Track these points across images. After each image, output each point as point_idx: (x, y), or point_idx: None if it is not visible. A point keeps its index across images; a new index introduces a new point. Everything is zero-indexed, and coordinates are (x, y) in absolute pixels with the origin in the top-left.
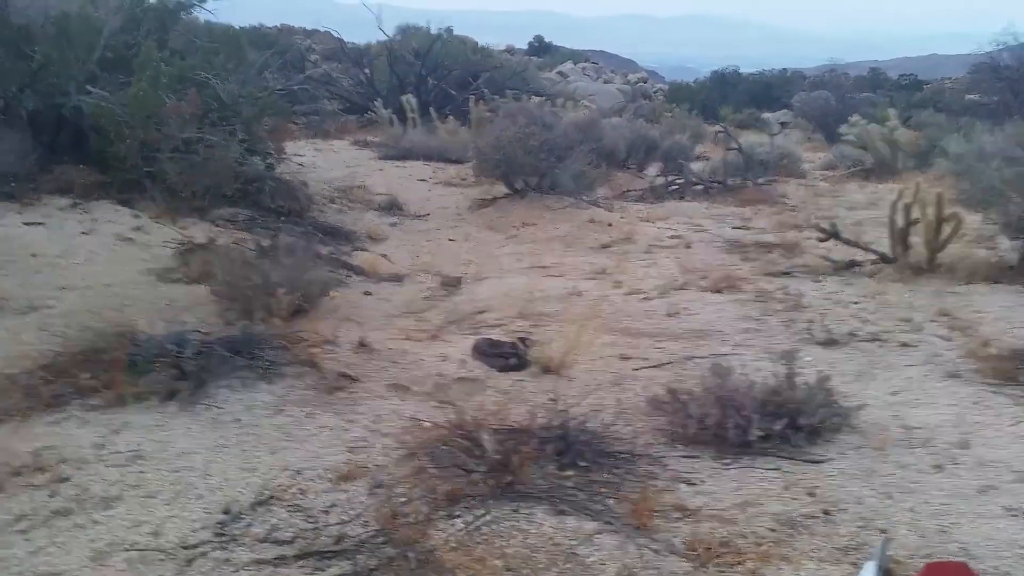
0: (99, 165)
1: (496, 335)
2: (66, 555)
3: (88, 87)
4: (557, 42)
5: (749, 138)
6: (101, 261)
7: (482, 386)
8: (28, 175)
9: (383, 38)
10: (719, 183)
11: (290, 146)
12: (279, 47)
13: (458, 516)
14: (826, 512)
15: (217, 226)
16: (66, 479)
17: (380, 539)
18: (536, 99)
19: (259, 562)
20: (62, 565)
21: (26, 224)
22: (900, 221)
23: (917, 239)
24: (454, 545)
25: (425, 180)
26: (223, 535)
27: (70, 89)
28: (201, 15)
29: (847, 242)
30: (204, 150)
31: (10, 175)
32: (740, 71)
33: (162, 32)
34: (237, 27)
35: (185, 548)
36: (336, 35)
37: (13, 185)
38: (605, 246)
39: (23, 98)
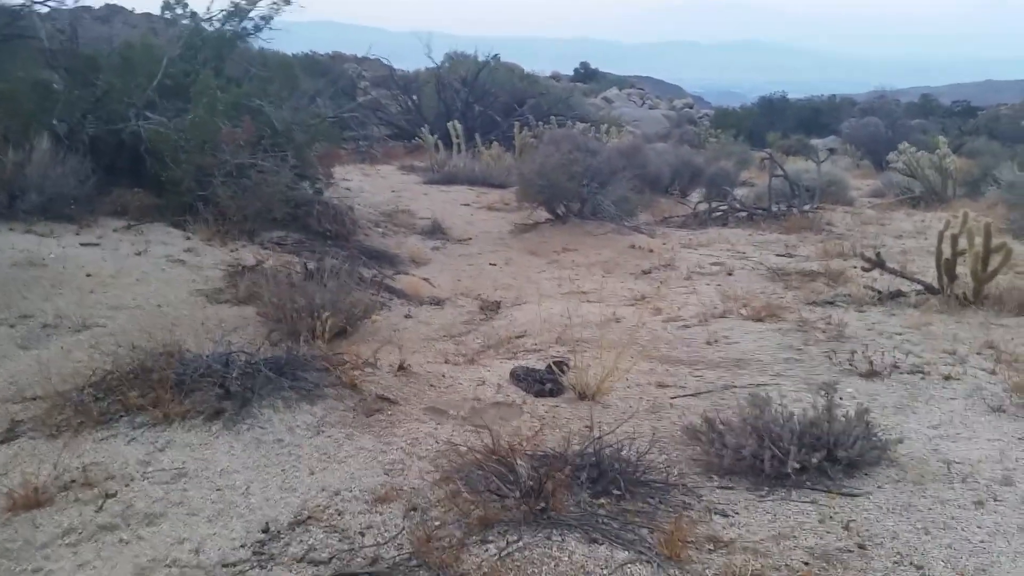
0: (154, 188)
1: (533, 360)
2: (111, 570)
3: (147, 113)
4: (603, 68)
5: (796, 165)
6: (153, 282)
7: (518, 411)
8: (87, 197)
9: (432, 65)
10: (763, 210)
11: (338, 171)
12: (332, 76)
13: (491, 541)
14: (861, 546)
15: (266, 248)
16: (112, 495)
17: (414, 562)
18: (580, 125)
19: None
20: None
21: (82, 245)
22: (947, 251)
23: (965, 269)
24: (486, 571)
25: (468, 205)
26: (262, 554)
27: (130, 115)
28: (256, 43)
29: (892, 272)
30: (256, 175)
31: (70, 197)
32: (788, 96)
33: (218, 60)
34: (291, 55)
35: (225, 566)
36: (386, 62)
37: (72, 207)
38: (645, 272)
39: (86, 124)
